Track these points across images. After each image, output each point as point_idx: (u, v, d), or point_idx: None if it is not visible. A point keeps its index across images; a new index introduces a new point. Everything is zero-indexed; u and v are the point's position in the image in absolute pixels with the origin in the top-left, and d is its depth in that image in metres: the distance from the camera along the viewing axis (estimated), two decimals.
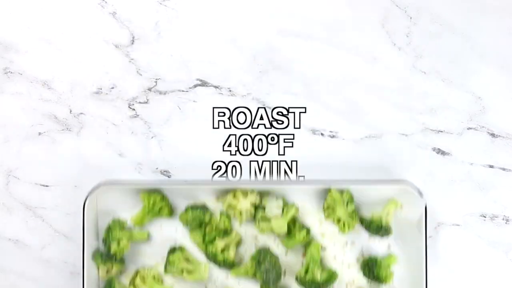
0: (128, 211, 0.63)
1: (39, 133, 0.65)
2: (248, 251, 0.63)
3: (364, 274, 0.62)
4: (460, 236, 0.65)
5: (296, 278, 0.61)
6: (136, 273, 0.63)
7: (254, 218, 0.62)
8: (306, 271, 0.60)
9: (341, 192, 0.62)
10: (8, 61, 0.65)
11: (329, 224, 0.63)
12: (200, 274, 0.62)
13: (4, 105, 0.65)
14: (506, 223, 0.65)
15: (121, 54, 0.65)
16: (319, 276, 0.60)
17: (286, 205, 0.62)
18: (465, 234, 0.65)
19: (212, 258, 0.62)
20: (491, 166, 0.65)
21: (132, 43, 0.65)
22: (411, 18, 0.65)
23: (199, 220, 0.62)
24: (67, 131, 0.65)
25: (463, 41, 0.65)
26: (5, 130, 0.65)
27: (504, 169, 0.65)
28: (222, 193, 0.63)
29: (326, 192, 0.62)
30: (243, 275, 0.62)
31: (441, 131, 0.65)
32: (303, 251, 0.63)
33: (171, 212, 0.63)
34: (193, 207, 0.62)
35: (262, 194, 0.63)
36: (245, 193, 0.61)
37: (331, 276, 0.61)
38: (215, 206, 0.63)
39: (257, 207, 0.62)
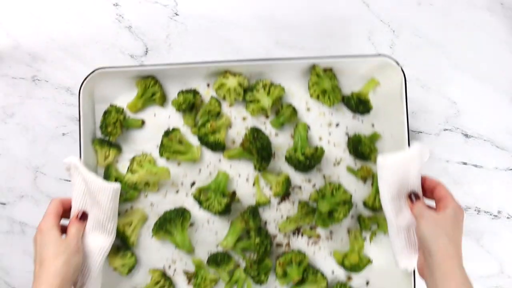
0: (124, 99, 0.64)
1: (63, 134, 0.70)
2: (238, 134, 0.64)
3: (350, 152, 0.63)
4: None
5: (286, 157, 0.62)
6: (133, 159, 0.63)
7: (243, 100, 0.63)
8: (295, 149, 0.61)
9: (325, 70, 0.62)
10: (36, 70, 0.69)
11: (315, 101, 0.64)
12: (192, 155, 0.62)
13: (32, 109, 0.70)
14: (477, 213, 0.69)
15: (136, 63, 0.69)
16: (307, 151, 0.60)
17: (272, 85, 0.62)
18: None
19: (204, 140, 0.62)
20: (464, 163, 0.69)
21: (146, 54, 0.70)
22: (394, 31, 0.69)
23: (190, 102, 0.62)
24: None
25: (440, 52, 0.69)
26: (33, 131, 0.69)
27: (476, 166, 0.69)
28: (213, 76, 0.64)
29: (310, 72, 0.63)
30: (235, 156, 0.63)
31: (421, 132, 0.69)
32: (291, 133, 0.64)
33: (164, 99, 0.64)
34: (184, 91, 0.63)
35: (250, 78, 0.64)
36: (233, 74, 0.62)
37: (319, 151, 0.61)
38: (206, 92, 0.64)
39: (245, 90, 0.63)
